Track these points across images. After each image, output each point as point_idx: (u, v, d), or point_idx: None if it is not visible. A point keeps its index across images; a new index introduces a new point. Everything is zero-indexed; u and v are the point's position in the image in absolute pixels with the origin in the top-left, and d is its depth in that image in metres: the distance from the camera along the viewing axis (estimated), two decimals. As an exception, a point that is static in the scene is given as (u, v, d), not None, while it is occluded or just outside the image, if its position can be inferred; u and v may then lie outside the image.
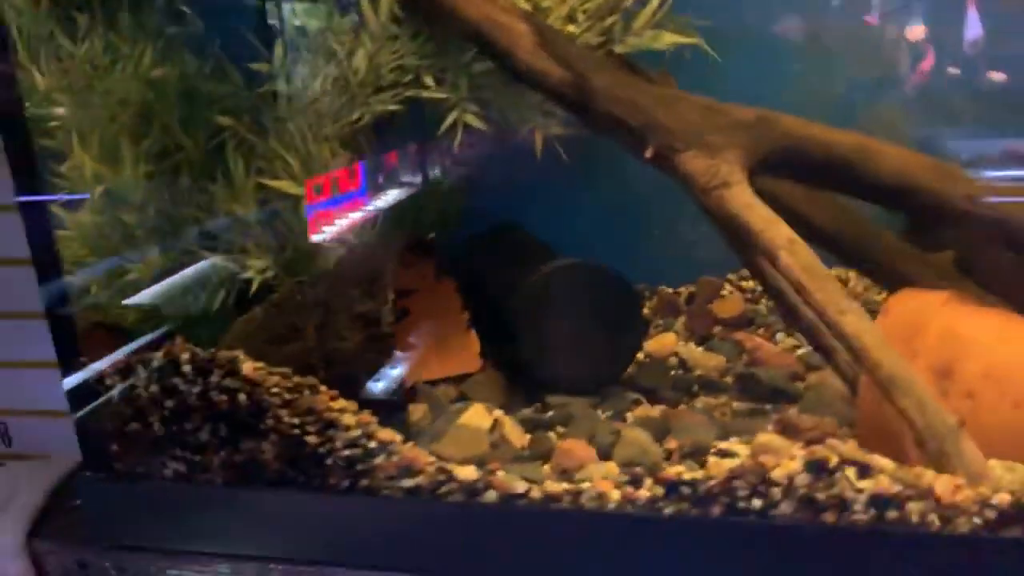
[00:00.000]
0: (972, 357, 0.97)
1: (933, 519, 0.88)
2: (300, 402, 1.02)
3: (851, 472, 0.89)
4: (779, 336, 1.46)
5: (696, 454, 1.07)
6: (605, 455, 1.14)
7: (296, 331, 1.14)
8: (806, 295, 1.02)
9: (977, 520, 0.86)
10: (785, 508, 0.92)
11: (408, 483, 1.03)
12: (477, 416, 1.27)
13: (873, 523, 0.88)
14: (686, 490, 0.95)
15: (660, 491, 0.97)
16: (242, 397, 1.03)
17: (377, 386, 1.07)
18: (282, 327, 1.15)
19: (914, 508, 0.88)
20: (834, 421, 0.99)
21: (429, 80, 1.42)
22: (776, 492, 0.92)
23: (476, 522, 1.01)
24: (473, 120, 1.42)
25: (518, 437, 1.23)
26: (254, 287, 1.34)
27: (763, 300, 1.55)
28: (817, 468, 0.90)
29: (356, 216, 1.36)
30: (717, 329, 1.52)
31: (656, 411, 1.30)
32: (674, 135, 1.14)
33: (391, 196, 1.46)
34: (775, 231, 1.06)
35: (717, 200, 1.11)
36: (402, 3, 1.35)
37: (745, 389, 1.31)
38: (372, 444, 1.02)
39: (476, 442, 1.18)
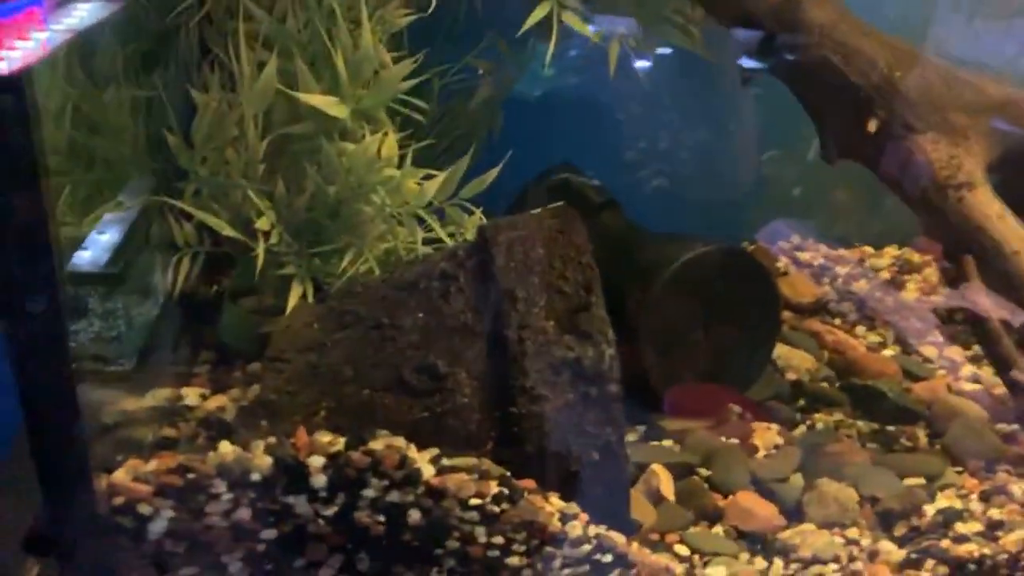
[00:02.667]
0: None
1: None
2: (510, 516, 0.71)
3: None
4: (859, 329, 1.44)
5: (908, 514, 1.01)
6: (791, 513, 1.03)
7: (435, 376, 0.78)
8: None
9: None
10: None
11: (643, 603, 0.80)
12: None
13: None
14: (971, 567, 0.89)
15: (944, 570, 0.89)
16: (415, 515, 0.69)
17: (589, 468, 0.79)
18: (404, 368, 0.79)
19: None
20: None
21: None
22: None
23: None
24: (574, 21, 1.11)
25: (669, 489, 1.04)
26: (259, 264, 0.93)
27: (826, 280, 1.51)
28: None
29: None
30: (787, 315, 1.45)
31: (774, 432, 1.21)
32: (914, 108, 1.00)
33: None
34: (1035, 256, 0.99)
35: (957, 202, 1.00)
36: None
37: (862, 405, 1.27)
38: (607, 558, 0.76)
39: (642, 510, 0.97)
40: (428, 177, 1.01)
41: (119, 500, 0.65)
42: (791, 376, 1.33)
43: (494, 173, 0.98)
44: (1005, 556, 0.92)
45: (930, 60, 1.01)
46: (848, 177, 1.42)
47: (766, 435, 1.20)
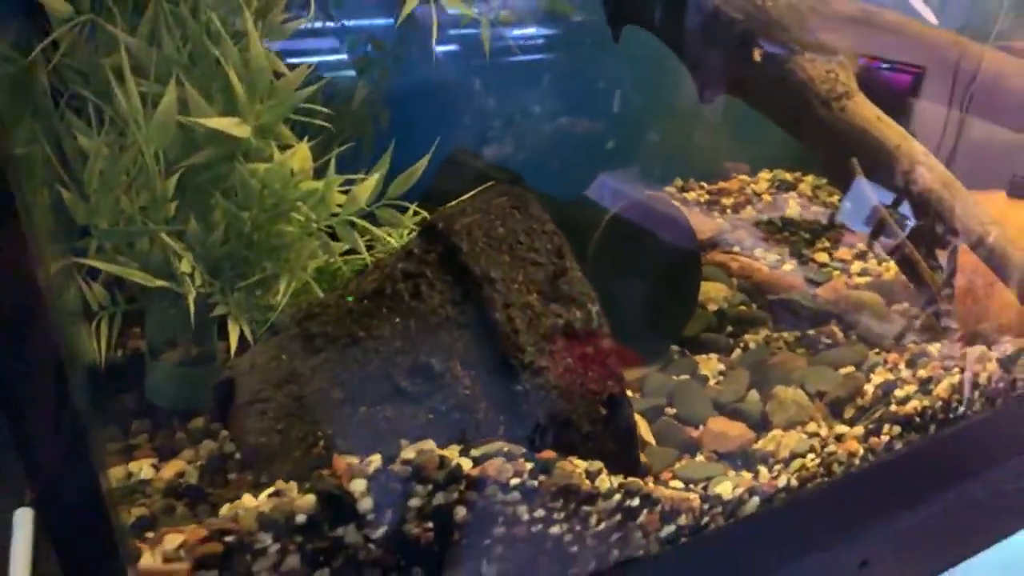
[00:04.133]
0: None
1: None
2: (547, 486, 0.71)
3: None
4: (758, 251, 1.55)
5: (853, 397, 1.12)
6: (758, 425, 1.10)
7: (429, 375, 0.76)
8: (945, 209, 1.11)
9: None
10: (977, 405, 1.05)
11: (668, 530, 0.83)
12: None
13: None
14: (917, 419, 1.01)
15: (897, 430, 1.00)
16: (461, 513, 0.67)
17: (597, 424, 0.80)
18: (396, 374, 0.76)
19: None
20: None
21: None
22: (976, 393, 1.04)
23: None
24: (455, 3, 1.10)
25: (648, 434, 1.08)
26: (192, 309, 0.86)
27: (716, 213, 1.61)
28: (1007, 363, 1.05)
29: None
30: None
31: (715, 360, 1.28)
32: (789, 32, 1.08)
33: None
34: (910, 145, 1.11)
35: (840, 111, 1.10)
36: None
37: (781, 318, 1.37)
38: (635, 502, 0.79)
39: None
40: (349, 183, 0.98)
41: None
42: (712, 307, 1.41)
43: (422, 165, 0.97)
44: (940, 403, 1.05)
45: (793, -15, 1.10)
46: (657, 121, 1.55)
47: (709, 364, 1.28)
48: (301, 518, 0.62)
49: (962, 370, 1.09)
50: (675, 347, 1.30)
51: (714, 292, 1.43)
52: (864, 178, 1.16)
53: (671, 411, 1.14)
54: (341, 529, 0.64)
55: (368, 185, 0.92)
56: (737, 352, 1.31)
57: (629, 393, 1.16)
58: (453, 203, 0.93)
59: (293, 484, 0.65)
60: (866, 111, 1.10)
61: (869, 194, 1.23)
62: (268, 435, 0.75)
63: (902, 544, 1.14)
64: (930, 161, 1.11)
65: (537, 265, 0.81)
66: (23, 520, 0.98)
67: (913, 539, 1.15)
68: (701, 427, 1.11)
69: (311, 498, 0.63)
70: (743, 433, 1.08)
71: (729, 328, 1.36)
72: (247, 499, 0.65)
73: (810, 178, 1.65)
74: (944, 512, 1.16)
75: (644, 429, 1.08)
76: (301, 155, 0.95)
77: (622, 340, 1.19)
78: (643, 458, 1.02)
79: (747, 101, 1.21)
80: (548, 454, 0.77)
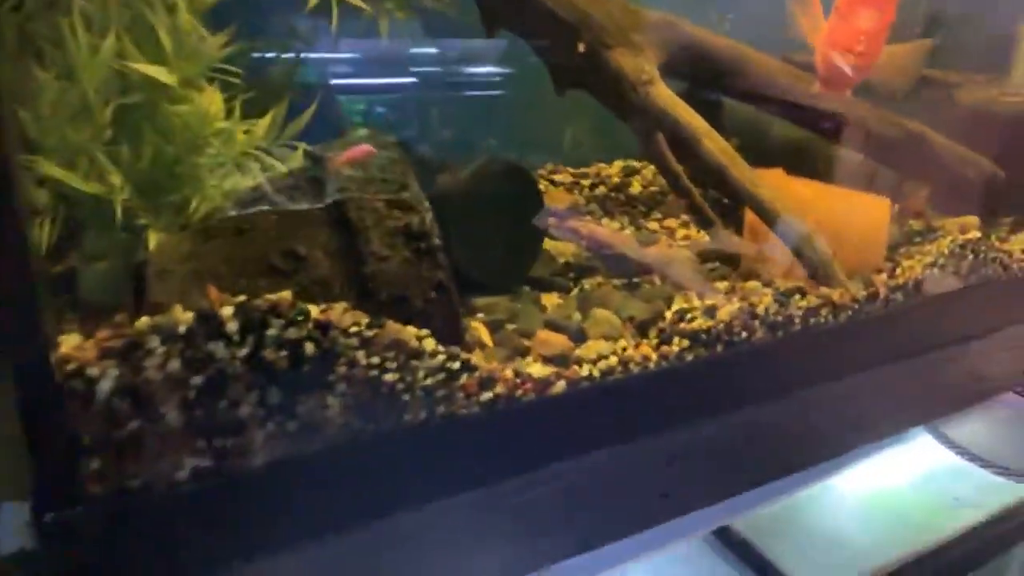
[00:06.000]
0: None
1: (829, 316, 1.31)
2: (381, 337, 0.88)
3: (796, 297, 1.26)
4: (604, 221, 1.75)
5: (656, 321, 1.31)
6: (577, 337, 1.28)
7: (297, 258, 0.92)
8: (725, 173, 1.32)
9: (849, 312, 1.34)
10: (760, 334, 1.24)
11: (487, 396, 1.00)
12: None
13: (804, 327, 1.28)
14: (703, 336, 1.19)
15: (686, 343, 1.18)
16: (309, 347, 0.83)
17: (428, 304, 0.97)
18: (271, 256, 0.92)
19: (823, 312, 1.30)
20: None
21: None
22: (756, 324, 1.23)
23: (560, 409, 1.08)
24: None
25: (488, 338, 1.25)
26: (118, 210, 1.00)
27: (575, 191, 1.80)
28: (782, 297, 1.24)
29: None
30: (550, 220, 1.72)
31: (555, 297, 1.47)
32: (606, 32, 1.28)
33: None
34: (697, 122, 1.32)
35: (645, 95, 1.30)
36: None
37: (616, 269, 1.57)
38: (456, 365, 0.95)
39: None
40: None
41: (71, 367, 0.73)
42: (561, 260, 1.60)
43: (309, 113, 1.13)
44: (722, 324, 1.25)
45: (610, -1, 1.31)
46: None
47: (550, 299, 1.46)
48: (182, 328, 0.77)
49: (741, 299, 1.29)
50: (527, 288, 1.48)
51: (564, 248, 1.63)
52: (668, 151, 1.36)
53: (511, 326, 1.32)
54: (212, 344, 0.79)
55: (263, 125, 1.08)
56: (575, 292, 1.49)
57: (480, 315, 1.36)
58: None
59: (179, 305, 0.80)
60: (666, 95, 1.31)
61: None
62: (168, 295, 0.90)
63: (706, 451, 1.31)
64: (713, 135, 1.32)
65: (385, 182, 0.98)
66: None
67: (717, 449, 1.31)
68: (533, 338, 1.28)
69: (190, 315, 0.78)
70: (564, 342, 1.26)
71: (572, 274, 1.55)
72: (144, 318, 0.80)
73: (652, 167, 1.86)
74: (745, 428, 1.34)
75: (484, 335, 1.25)
76: (214, 100, 1.10)
77: (479, 275, 1.38)
78: (480, 357, 1.20)
79: (588, 91, 1.40)
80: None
